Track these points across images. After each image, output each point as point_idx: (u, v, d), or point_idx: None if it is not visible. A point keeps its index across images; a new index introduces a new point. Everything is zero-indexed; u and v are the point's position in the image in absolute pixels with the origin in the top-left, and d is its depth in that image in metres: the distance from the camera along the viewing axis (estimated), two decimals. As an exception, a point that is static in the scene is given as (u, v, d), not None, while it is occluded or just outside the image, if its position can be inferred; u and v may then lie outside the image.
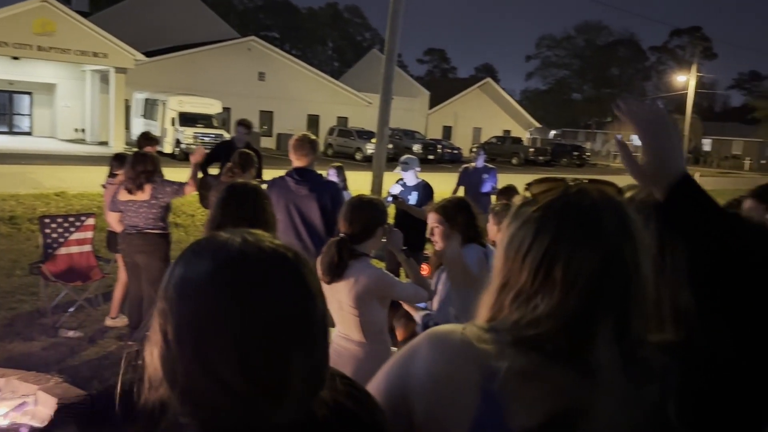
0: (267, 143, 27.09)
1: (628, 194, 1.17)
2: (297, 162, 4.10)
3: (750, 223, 1.00)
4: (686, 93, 38.58)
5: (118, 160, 5.29)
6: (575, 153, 34.62)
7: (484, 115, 38.24)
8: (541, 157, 32.40)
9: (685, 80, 39.71)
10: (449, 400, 0.87)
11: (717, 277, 0.94)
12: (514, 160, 31.15)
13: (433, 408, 0.88)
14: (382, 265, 3.92)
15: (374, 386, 0.97)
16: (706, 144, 49.38)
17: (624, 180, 1.06)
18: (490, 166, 7.77)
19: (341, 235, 2.72)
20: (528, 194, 0.95)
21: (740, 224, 0.96)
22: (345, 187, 6.52)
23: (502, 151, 31.64)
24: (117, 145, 20.62)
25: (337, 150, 27.28)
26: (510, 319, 0.89)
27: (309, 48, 67.02)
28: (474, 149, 8.21)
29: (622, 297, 0.86)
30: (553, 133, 50.59)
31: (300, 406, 0.75)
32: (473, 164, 7.69)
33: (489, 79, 41.05)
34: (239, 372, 0.70)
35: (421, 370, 0.90)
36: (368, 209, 2.74)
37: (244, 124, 6.99)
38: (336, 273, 2.65)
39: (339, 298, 2.68)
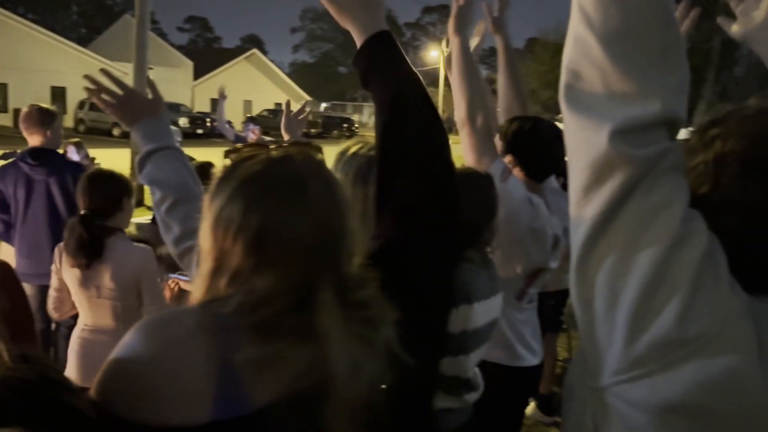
0: (2, 120, 23.91)
1: (353, 149, 1.35)
2: (31, 141, 3.48)
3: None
4: (438, 68, 41.85)
5: None
6: (345, 125, 35.72)
7: (254, 87, 37.53)
8: (312, 130, 32.85)
9: (436, 55, 43.00)
10: (181, 392, 0.79)
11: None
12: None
13: (166, 402, 0.79)
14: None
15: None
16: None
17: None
18: (268, 138, 7.55)
19: (83, 212, 2.42)
20: (228, 162, 0.91)
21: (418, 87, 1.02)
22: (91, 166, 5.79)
23: (275, 124, 30.96)
24: None
25: (91, 126, 24.74)
26: (231, 302, 0.83)
27: (49, 12, 59.50)
28: (244, 123, 7.94)
29: (335, 261, 0.86)
30: (323, 105, 51.59)
31: None
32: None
33: (256, 51, 40.36)
34: None
35: (140, 368, 0.79)
36: (108, 180, 2.50)
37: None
38: (93, 252, 2.36)
39: (98, 283, 2.38)
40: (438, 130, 1.02)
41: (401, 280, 0.94)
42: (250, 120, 7.94)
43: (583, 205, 0.76)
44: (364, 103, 54.69)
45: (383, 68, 1.03)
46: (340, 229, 0.87)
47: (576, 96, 0.76)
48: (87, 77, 1.52)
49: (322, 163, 0.91)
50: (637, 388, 0.73)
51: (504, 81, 2.43)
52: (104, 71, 1.58)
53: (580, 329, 0.82)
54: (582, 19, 0.75)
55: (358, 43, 1.06)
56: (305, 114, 2.26)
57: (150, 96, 1.56)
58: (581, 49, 0.75)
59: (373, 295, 0.88)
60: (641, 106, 0.72)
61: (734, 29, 1.22)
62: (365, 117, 46.65)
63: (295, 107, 2.25)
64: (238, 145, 0.94)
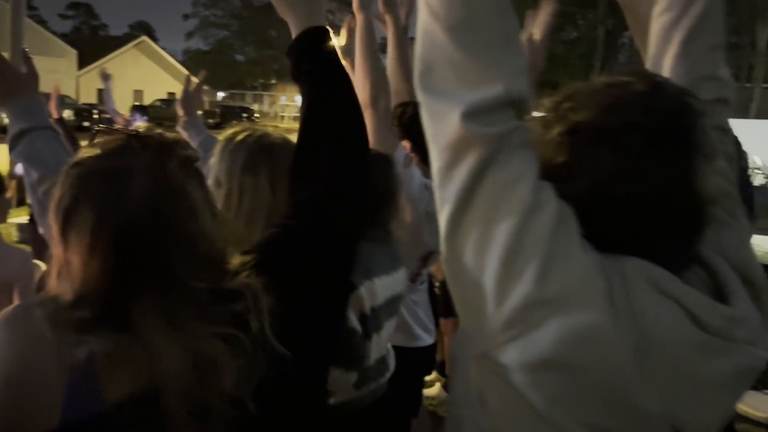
0: None
1: (241, 136, 1.34)
2: None
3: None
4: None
5: None
6: (244, 115, 34.79)
7: (145, 76, 35.93)
8: (210, 120, 31.83)
9: (336, 43, 42.68)
10: (32, 387, 0.79)
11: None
12: (182, 124, 29.90)
13: (15, 397, 0.79)
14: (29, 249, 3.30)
15: None
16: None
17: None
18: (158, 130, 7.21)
19: None
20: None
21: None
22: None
23: (169, 114, 30.00)
24: None
25: (-36, 120, 22.78)
26: (67, 295, 0.83)
27: None
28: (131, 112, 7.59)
29: (165, 257, 0.84)
30: (221, 95, 50.12)
31: None
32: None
33: (146, 38, 38.65)
34: None
35: None
36: None
37: None
38: None
39: None
40: (360, 133, 1.05)
41: (295, 271, 0.94)
42: (137, 109, 7.62)
43: (445, 185, 0.82)
44: (264, 92, 53.68)
45: (312, 63, 1.05)
46: (175, 221, 0.84)
47: (429, 84, 0.82)
48: None
49: (160, 156, 0.87)
50: (510, 350, 0.78)
51: (392, 64, 2.35)
52: None
53: (455, 301, 0.87)
54: (429, 12, 0.82)
55: (294, 36, 1.08)
56: (202, 86, 2.17)
57: (24, 70, 1.44)
58: (430, 40, 0.82)
59: (245, 288, 0.87)
60: (487, 88, 0.78)
61: None
62: (266, 106, 45.80)
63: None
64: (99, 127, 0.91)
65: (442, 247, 0.84)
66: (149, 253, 0.83)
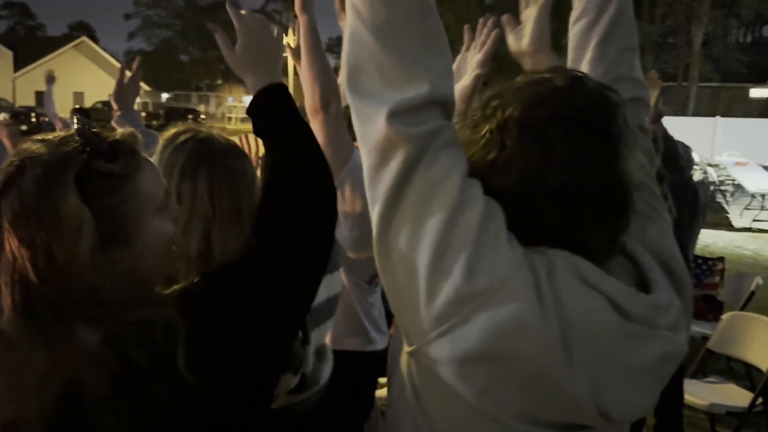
0: None
1: (182, 138, 1.25)
2: None
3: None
4: (286, 56, 41.31)
5: None
6: (190, 116, 34.10)
7: (85, 78, 34.84)
8: (154, 122, 31.10)
9: (285, 42, 42.39)
10: None
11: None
12: (126, 127, 29.12)
13: None
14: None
15: None
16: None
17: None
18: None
19: None
20: None
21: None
22: None
23: (111, 116, 29.19)
24: None
25: None
26: None
27: None
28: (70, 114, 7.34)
29: (45, 283, 0.81)
30: (165, 96, 49.02)
31: None
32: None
33: (85, 38, 37.52)
34: None
35: None
36: None
37: None
38: None
39: None
40: (324, 186, 1.02)
41: (243, 309, 0.92)
42: (76, 111, 7.39)
43: (375, 184, 0.83)
44: (210, 93, 52.82)
45: (272, 121, 1.04)
46: (60, 243, 0.81)
47: (357, 85, 0.84)
48: None
49: (47, 168, 0.83)
50: (441, 345, 0.80)
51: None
52: None
53: (388, 298, 0.89)
54: (354, 14, 0.84)
55: (252, 94, 1.07)
56: (138, 76, 2.08)
57: None
58: (356, 42, 0.84)
59: (157, 318, 0.83)
60: (411, 89, 0.80)
61: (509, 42, 1.40)
62: (212, 107, 45.06)
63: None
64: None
65: (375, 245, 0.86)
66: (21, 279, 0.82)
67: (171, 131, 1.30)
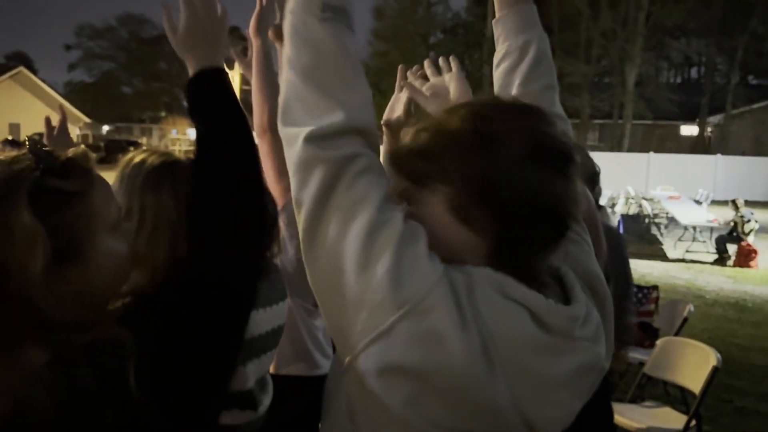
0: None
1: (140, 157, 1.27)
2: None
3: None
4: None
5: None
6: (131, 148, 33.23)
7: (22, 109, 33.67)
8: (94, 154, 30.23)
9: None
10: None
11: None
12: (65, 159, 28.20)
13: None
14: None
15: None
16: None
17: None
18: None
19: None
20: None
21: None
22: None
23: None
24: None
25: None
26: None
27: None
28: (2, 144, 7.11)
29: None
30: (106, 128, 47.93)
31: None
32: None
33: (23, 69, 36.26)
34: None
35: None
36: None
37: None
38: None
39: None
40: (253, 177, 1.02)
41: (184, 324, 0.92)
42: (8, 143, 7.17)
43: (298, 207, 0.88)
44: (153, 125, 51.92)
45: (204, 104, 1.04)
46: (13, 260, 0.79)
47: (285, 118, 0.92)
48: None
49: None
50: (368, 357, 0.82)
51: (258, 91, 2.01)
52: None
53: (323, 314, 0.91)
54: (286, 62, 0.93)
55: (190, 74, 1.07)
56: (65, 124, 2.05)
57: None
58: (287, 84, 0.93)
59: (107, 336, 0.83)
60: (328, 117, 0.88)
61: (423, 103, 1.46)
62: (155, 140, 44.28)
63: (73, 131, 2.05)
64: None
65: (304, 263, 0.89)
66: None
67: (127, 156, 1.31)
